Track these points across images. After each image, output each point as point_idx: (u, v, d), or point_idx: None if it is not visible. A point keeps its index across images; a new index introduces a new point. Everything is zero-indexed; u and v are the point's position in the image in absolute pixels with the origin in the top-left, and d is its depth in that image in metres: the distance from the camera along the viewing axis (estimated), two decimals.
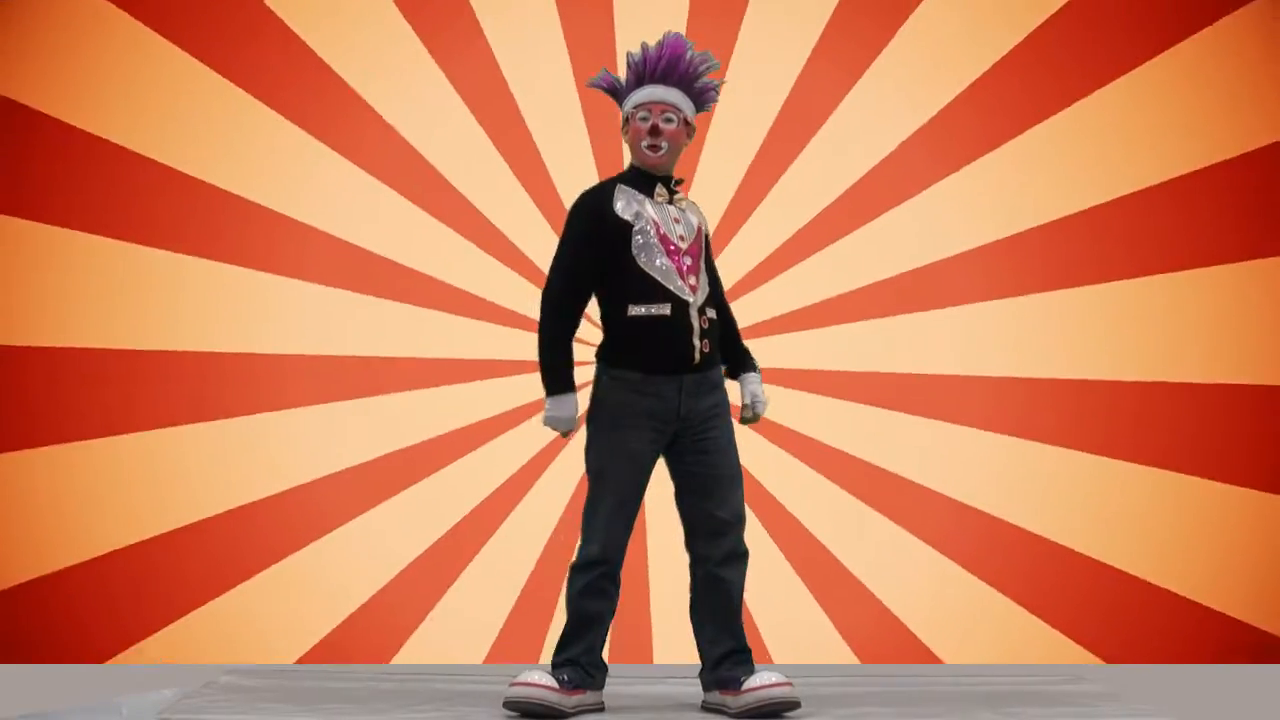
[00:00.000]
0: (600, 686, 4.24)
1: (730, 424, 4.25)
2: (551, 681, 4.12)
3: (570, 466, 5.77)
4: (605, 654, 4.25)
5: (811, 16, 5.75)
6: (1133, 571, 5.64)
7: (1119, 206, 5.69)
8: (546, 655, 5.51)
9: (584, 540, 4.20)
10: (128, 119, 5.67)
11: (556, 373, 4.21)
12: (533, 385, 5.72)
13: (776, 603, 5.60)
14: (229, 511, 5.67)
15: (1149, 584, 5.63)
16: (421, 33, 5.75)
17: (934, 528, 5.71)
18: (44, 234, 5.64)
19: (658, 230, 4.19)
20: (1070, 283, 5.71)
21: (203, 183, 5.69)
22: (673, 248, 4.19)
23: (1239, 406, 5.64)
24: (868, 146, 5.76)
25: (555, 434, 4.26)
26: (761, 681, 4.14)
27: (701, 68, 4.27)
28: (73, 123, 5.64)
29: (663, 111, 4.23)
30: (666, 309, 4.16)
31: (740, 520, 4.23)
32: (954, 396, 5.73)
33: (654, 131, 4.22)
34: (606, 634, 4.25)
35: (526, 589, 5.70)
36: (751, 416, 4.32)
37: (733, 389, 4.35)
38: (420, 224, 5.78)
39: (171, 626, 5.61)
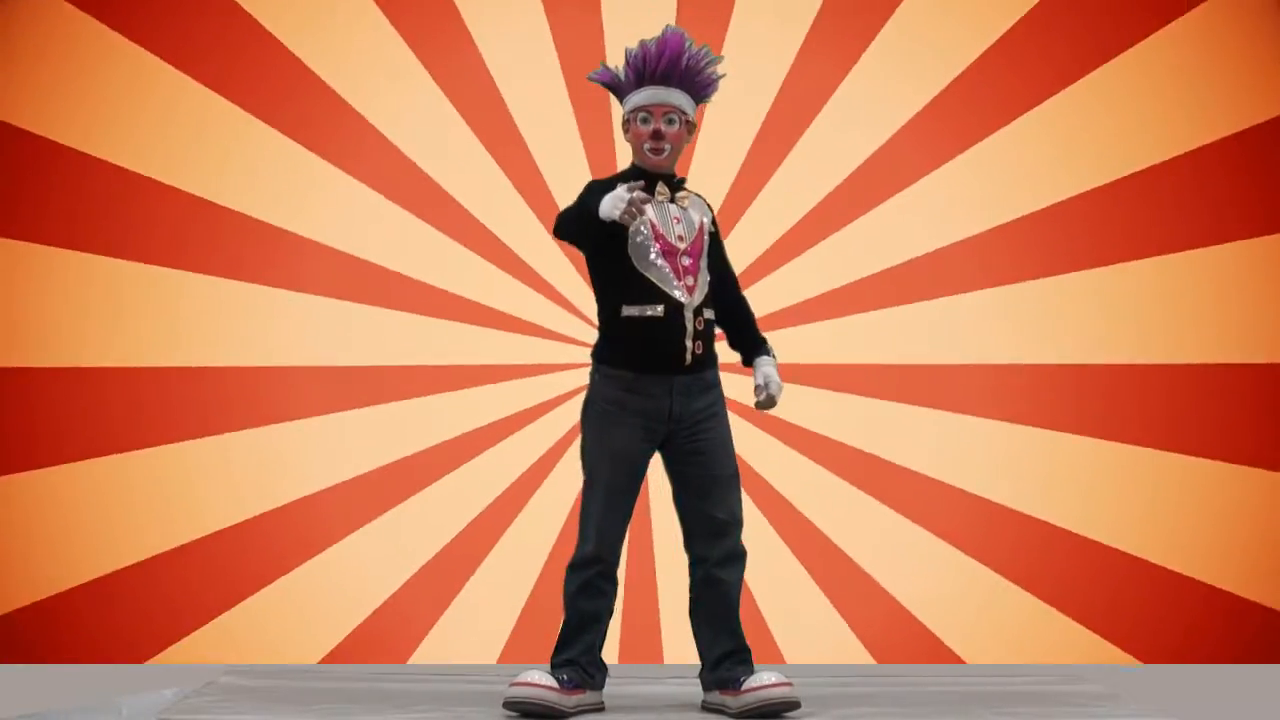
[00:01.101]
0: (600, 686, 4.23)
1: (726, 425, 4.24)
2: (551, 681, 4.12)
3: (577, 469, 5.77)
4: (615, 655, 4.24)
5: (802, 6, 5.74)
6: (1141, 555, 5.64)
7: (1115, 189, 5.69)
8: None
9: (579, 539, 4.21)
10: (124, 138, 5.68)
11: (583, 206, 4.09)
12: (536, 389, 5.78)
13: (782, 599, 5.61)
14: (236, 525, 5.68)
15: (1158, 566, 5.64)
16: (412, 42, 5.75)
17: (939, 519, 5.71)
18: (42, 255, 5.66)
19: (654, 230, 4.18)
20: (1069, 267, 5.70)
21: (201, 199, 5.70)
22: (669, 248, 4.18)
23: (1241, 386, 5.63)
24: (862, 137, 5.75)
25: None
26: (761, 682, 4.14)
27: (703, 63, 4.24)
28: (67, 143, 5.65)
29: (665, 114, 4.21)
30: (660, 310, 4.14)
31: (737, 521, 4.22)
32: (955, 385, 5.73)
33: (656, 135, 4.21)
34: (605, 633, 4.24)
35: (536, 591, 5.71)
36: (765, 400, 4.24)
37: (731, 386, 4.34)
38: (418, 233, 5.78)
39: (180, 643, 5.63)
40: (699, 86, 4.25)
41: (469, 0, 5.77)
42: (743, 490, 4.27)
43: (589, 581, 4.18)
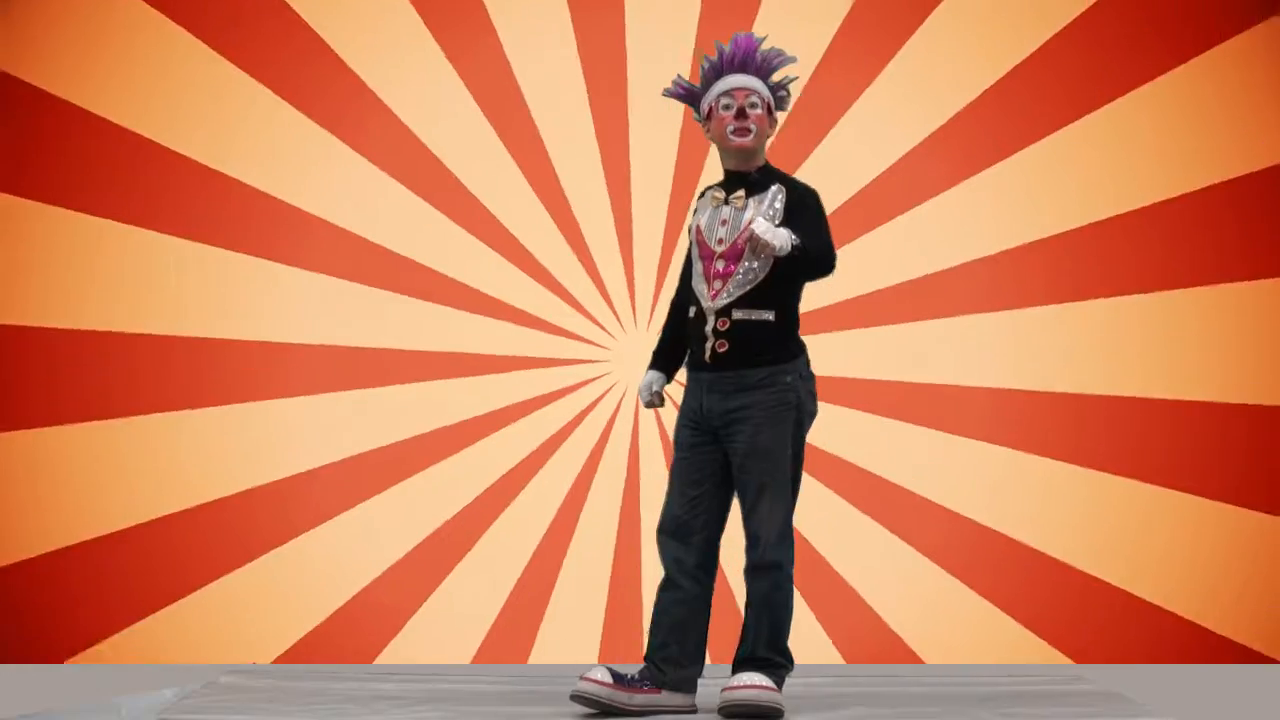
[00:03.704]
0: (676, 687, 4.15)
1: (769, 432, 4.14)
2: (606, 676, 4.10)
3: (567, 461, 5.78)
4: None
5: (824, 20, 5.75)
6: (1126, 588, 5.65)
7: (1125, 221, 5.69)
8: (537, 654, 5.54)
9: None
10: (135, 102, 5.68)
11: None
12: (530, 382, 5.77)
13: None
14: (222, 499, 5.67)
15: (1143, 600, 5.64)
16: (432, 26, 5.75)
17: (928, 537, 5.71)
18: (48, 215, 5.65)
19: (699, 235, 4.23)
20: (1074, 296, 5.70)
21: (208, 169, 5.70)
22: (707, 252, 4.21)
23: (1238, 426, 5.63)
24: (872, 153, 5.76)
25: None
26: (739, 682, 4.10)
27: (775, 61, 4.25)
28: (79, 103, 5.64)
29: (747, 95, 4.21)
30: (693, 311, 4.23)
31: (763, 532, 4.13)
32: (952, 406, 5.73)
33: (740, 114, 4.19)
34: (683, 629, 4.17)
35: (518, 586, 5.70)
36: (764, 229, 4.05)
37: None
38: (424, 217, 5.78)
39: (150, 618, 5.61)
40: (775, 87, 4.26)
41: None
42: (789, 506, 4.17)
43: (666, 567, 4.19)
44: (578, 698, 4.09)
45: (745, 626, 4.19)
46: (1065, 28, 5.68)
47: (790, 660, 4.19)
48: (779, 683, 4.14)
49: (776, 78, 4.27)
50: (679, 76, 4.32)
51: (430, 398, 5.77)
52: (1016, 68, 5.70)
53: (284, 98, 5.72)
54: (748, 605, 4.19)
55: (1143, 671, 5.47)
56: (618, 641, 5.58)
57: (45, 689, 5.05)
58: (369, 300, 5.76)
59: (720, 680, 4.16)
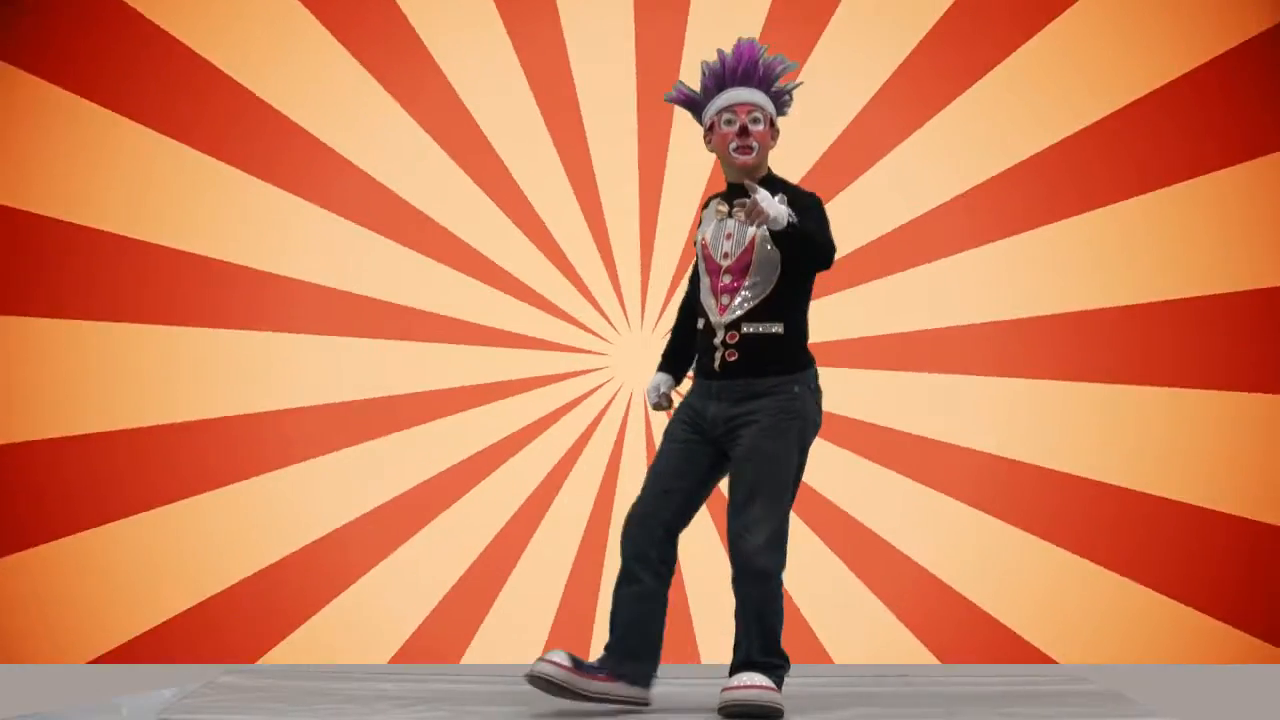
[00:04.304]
0: (633, 680, 4.16)
1: (771, 438, 4.14)
2: (564, 659, 4.12)
3: (590, 474, 5.78)
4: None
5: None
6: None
7: (1097, 130, 5.68)
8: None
9: None
10: (96, 201, 5.69)
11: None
12: (540, 402, 5.77)
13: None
14: (253, 575, 5.69)
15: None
16: (375, 71, 5.76)
17: (949, 484, 5.72)
18: (33, 327, 5.67)
19: (705, 250, 4.25)
20: (1055, 216, 5.69)
21: (187, 254, 5.72)
22: (714, 266, 4.22)
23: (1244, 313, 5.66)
24: (841, 106, 5.74)
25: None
26: (739, 682, 4.11)
27: (778, 69, 4.25)
28: (47, 213, 5.68)
29: (749, 111, 4.21)
30: (702, 322, 4.25)
31: (748, 535, 4.12)
32: (954, 348, 5.73)
33: (743, 132, 4.20)
34: (641, 624, 4.18)
35: (565, 600, 5.72)
36: (764, 198, 4.04)
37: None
38: (405, 261, 5.79)
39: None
40: (778, 94, 4.26)
41: (426, 24, 5.77)
42: (782, 514, 4.16)
43: (626, 561, 4.20)
44: (533, 678, 4.10)
45: (737, 637, 4.18)
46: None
47: (786, 660, 4.19)
48: (778, 682, 4.14)
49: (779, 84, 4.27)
50: (680, 82, 4.33)
51: (445, 433, 5.81)
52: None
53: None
54: (737, 614, 4.18)
55: (1143, 671, 5.47)
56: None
57: (46, 689, 5.05)
58: (365, 352, 5.80)
59: (719, 680, 4.17)
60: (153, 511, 5.69)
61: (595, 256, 5.82)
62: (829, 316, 5.55)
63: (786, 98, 4.29)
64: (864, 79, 5.74)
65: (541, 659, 4.12)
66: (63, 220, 5.69)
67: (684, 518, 4.24)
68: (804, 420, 4.18)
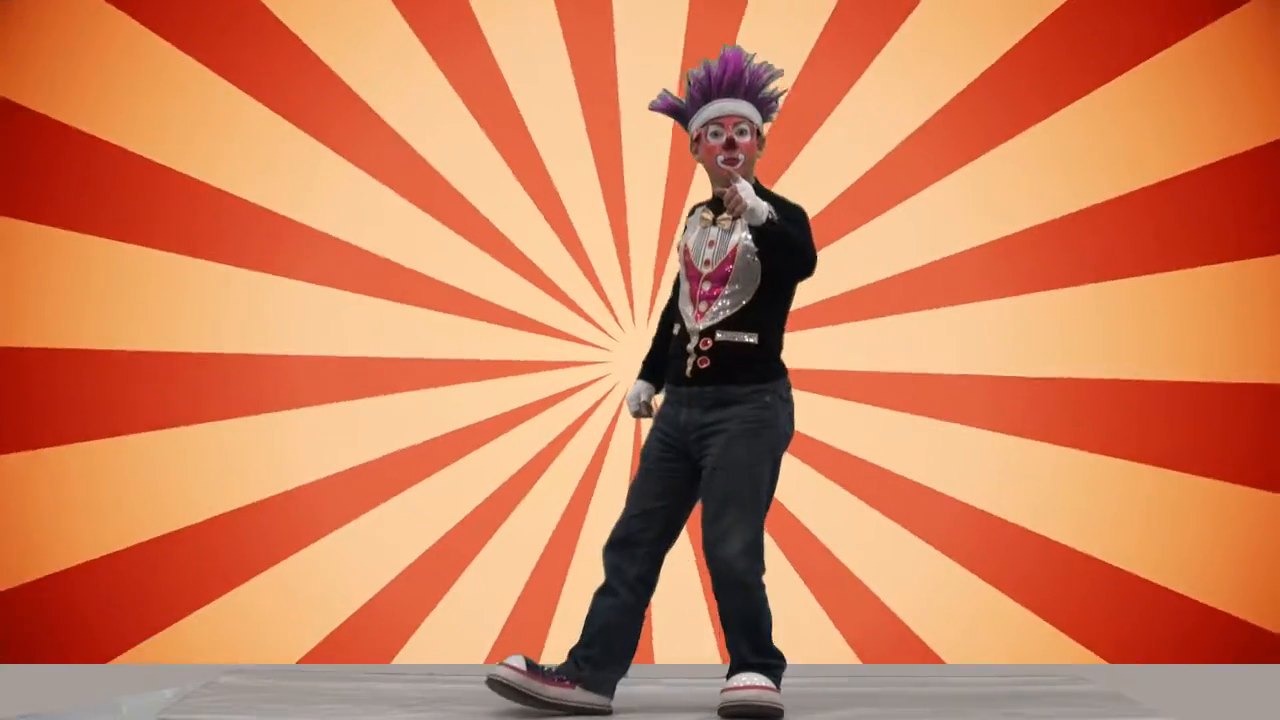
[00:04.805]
0: (591, 686, 4.18)
1: (743, 446, 4.14)
2: (522, 664, 4.15)
3: (571, 468, 5.78)
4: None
5: (811, 14, 5.75)
6: (1134, 570, 5.65)
7: (1121, 205, 5.69)
8: (548, 657, 5.52)
9: None
10: (128, 120, 5.69)
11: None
12: (531, 387, 5.77)
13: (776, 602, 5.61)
14: (227, 513, 5.69)
15: (1150, 583, 5.64)
16: (421, 34, 5.75)
17: (934, 527, 5.71)
18: (45, 235, 5.66)
19: (687, 255, 4.26)
20: (1071, 281, 5.71)
21: (205, 185, 5.71)
22: (694, 273, 4.23)
23: (1241, 405, 5.64)
24: (868, 144, 5.76)
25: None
26: (738, 683, 4.12)
27: (765, 76, 4.26)
28: (74, 124, 5.67)
29: (735, 124, 4.23)
30: (678, 328, 4.26)
31: (722, 544, 4.11)
32: (954, 396, 5.73)
33: (729, 145, 4.21)
34: (609, 631, 4.19)
35: (527, 590, 5.71)
36: (746, 192, 4.06)
37: None
38: (421, 225, 5.78)
39: (171, 629, 5.63)
40: (764, 101, 4.27)
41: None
42: (756, 523, 4.14)
43: (606, 575, 4.22)
44: (493, 683, 4.15)
45: (728, 642, 4.18)
46: (1053, 14, 5.67)
47: (781, 657, 4.20)
48: (776, 681, 4.14)
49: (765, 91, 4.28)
50: (665, 91, 4.34)
51: (433, 404, 5.78)
52: (1005, 56, 5.70)
53: (275, 110, 5.72)
54: (723, 622, 4.18)
55: (1143, 671, 5.47)
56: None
57: (47, 689, 5.05)
58: (369, 309, 5.77)
59: (718, 681, 4.17)
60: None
61: (612, 252, 5.82)
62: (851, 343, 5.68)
63: (773, 104, 4.29)
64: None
65: (502, 663, 4.16)
66: (89, 133, 5.65)
67: (667, 538, 4.25)
68: (775, 430, 4.19)
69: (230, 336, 5.73)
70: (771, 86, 4.27)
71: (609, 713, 4.19)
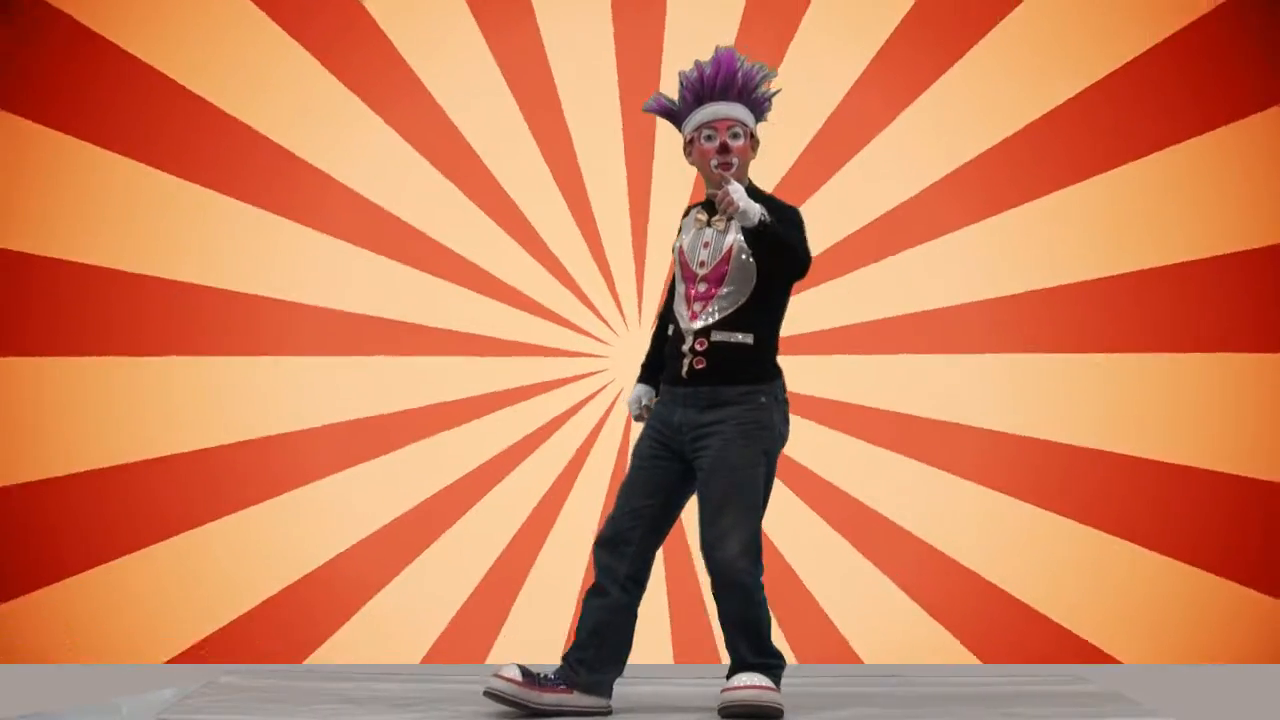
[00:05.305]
0: (588, 689, 4.18)
1: (736, 448, 4.14)
2: (517, 674, 4.15)
3: (554, 454, 5.78)
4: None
5: (865, 42, 5.74)
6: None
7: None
8: (496, 656, 5.51)
9: None
10: (173, 48, 5.68)
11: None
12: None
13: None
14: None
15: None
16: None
17: (913, 573, 5.71)
18: (62, 142, 5.65)
19: (681, 257, 4.26)
20: (1078, 348, 5.70)
21: (235, 120, 5.70)
22: (689, 274, 4.23)
23: (1223, 494, 5.66)
24: (898, 182, 5.74)
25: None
26: (738, 683, 4.12)
27: (758, 78, 4.25)
28: (119, 43, 5.65)
29: (729, 127, 4.22)
30: (673, 330, 4.27)
31: (721, 545, 4.11)
32: (951, 444, 5.72)
33: (723, 149, 4.21)
34: (600, 632, 4.19)
35: (484, 583, 5.71)
36: (739, 194, 4.06)
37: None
38: (443, 193, 5.78)
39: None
40: (757, 102, 4.26)
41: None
42: (754, 524, 4.15)
43: (597, 575, 4.21)
44: (490, 694, 4.16)
45: (727, 643, 4.19)
46: (1097, 82, 5.67)
47: (780, 658, 4.20)
48: (776, 681, 4.15)
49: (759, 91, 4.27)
50: (659, 93, 4.34)
51: (427, 373, 5.77)
52: (1050, 112, 5.68)
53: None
54: (721, 622, 4.19)
55: (1143, 671, 5.47)
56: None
57: (45, 689, 5.05)
58: (376, 268, 5.76)
59: (719, 681, 4.17)
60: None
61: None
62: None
63: (766, 105, 4.29)
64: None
65: (495, 674, 4.17)
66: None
67: (656, 536, 4.25)
68: (770, 431, 4.19)
69: (237, 275, 5.71)
70: (765, 88, 4.26)
71: (608, 713, 4.20)
